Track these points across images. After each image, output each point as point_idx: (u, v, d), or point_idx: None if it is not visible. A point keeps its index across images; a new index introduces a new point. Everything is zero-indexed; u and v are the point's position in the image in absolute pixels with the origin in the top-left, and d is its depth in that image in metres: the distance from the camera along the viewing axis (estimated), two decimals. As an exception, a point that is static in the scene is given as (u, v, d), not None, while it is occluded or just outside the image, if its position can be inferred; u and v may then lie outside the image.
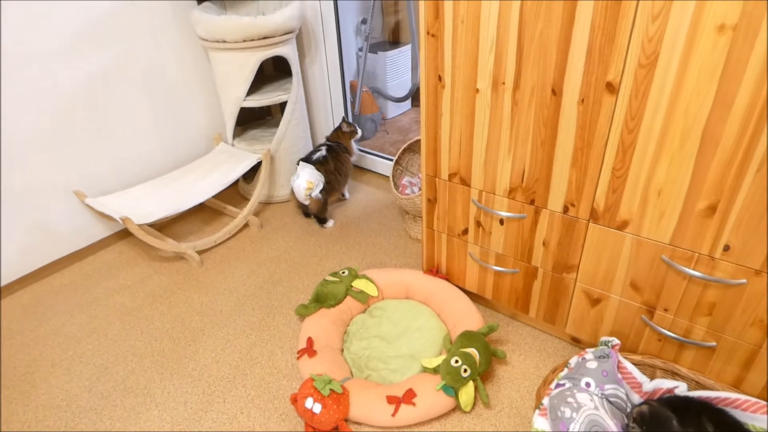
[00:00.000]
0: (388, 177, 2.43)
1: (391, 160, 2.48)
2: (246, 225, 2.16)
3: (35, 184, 1.81)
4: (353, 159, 2.29)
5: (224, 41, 1.92)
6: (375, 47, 3.00)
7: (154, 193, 1.99)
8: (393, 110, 3.20)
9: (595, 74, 1.05)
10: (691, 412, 1.12)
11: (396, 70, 3.08)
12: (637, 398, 1.25)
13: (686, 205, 1.06)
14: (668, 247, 1.13)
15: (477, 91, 1.25)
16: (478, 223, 1.46)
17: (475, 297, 1.69)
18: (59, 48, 1.75)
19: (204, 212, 2.30)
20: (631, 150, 1.08)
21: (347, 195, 2.40)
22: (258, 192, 2.13)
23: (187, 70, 2.15)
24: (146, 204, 1.90)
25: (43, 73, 1.74)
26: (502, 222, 1.40)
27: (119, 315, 1.71)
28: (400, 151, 2.01)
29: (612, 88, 1.04)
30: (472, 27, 1.18)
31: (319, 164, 2.07)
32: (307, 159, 2.09)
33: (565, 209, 1.25)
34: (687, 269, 1.11)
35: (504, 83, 1.20)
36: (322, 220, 2.16)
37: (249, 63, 1.98)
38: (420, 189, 2.05)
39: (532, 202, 1.31)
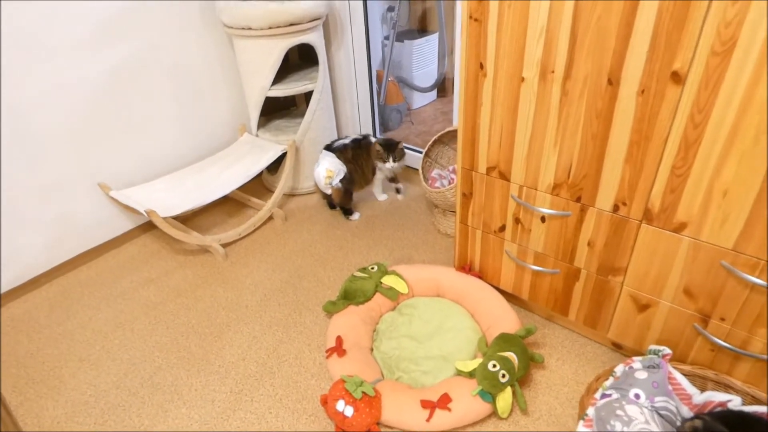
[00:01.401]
0: (415, 169, 2.36)
1: (419, 152, 2.41)
2: (270, 217, 2.12)
3: (61, 177, 1.78)
4: (383, 176, 2.16)
5: (250, 28, 1.86)
6: (401, 35, 2.90)
7: (178, 185, 1.95)
8: (418, 100, 3.11)
9: (659, 62, 0.96)
10: (747, 428, 1.04)
11: (422, 59, 2.99)
12: (686, 411, 1.17)
13: (755, 208, 0.97)
14: (730, 252, 1.04)
15: (522, 80, 1.17)
16: (517, 220, 1.39)
17: (508, 296, 1.62)
18: (82, 41, 1.71)
19: (228, 204, 2.27)
20: (695, 146, 0.99)
21: (399, 197, 2.26)
22: (283, 184, 2.08)
23: (210, 60, 2.10)
24: (171, 196, 1.87)
25: (67, 67, 1.70)
26: (543, 219, 1.32)
27: (145, 309, 1.69)
28: (429, 142, 1.94)
29: (678, 78, 0.95)
30: (520, 11, 1.09)
31: (339, 152, 2.00)
32: (329, 146, 2.03)
33: (615, 208, 1.17)
34: (751, 277, 1.03)
35: (553, 72, 1.11)
36: (346, 211, 2.11)
37: (275, 51, 1.92)
38: (450, 182, 1.98)
39: (578, 200, 1.23)
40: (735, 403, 1.11)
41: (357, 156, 2.04)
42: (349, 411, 1.21)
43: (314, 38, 1.99)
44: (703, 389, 1.19)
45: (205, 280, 1.81)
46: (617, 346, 1.44)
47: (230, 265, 1.88)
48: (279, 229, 2.08)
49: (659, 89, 0.99)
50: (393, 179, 2.23)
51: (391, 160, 2.00)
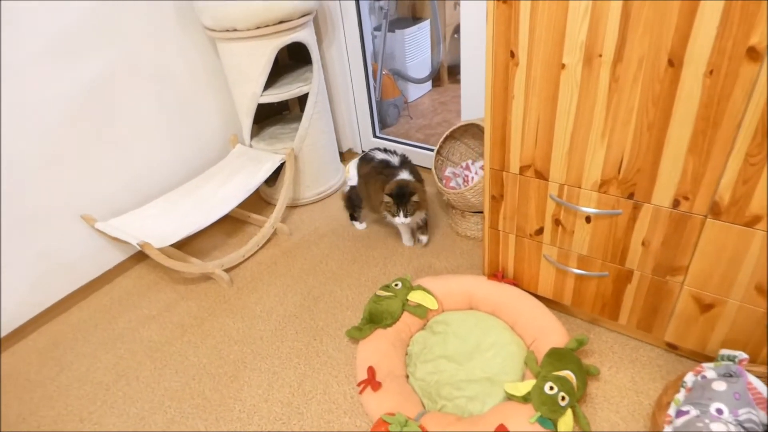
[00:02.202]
0: (427, 168, 2.18)
1: (424, 148, 2.26)
2: (274, 233, 1.96)
3: (38, 210, 1.60)
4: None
5: (235, 29, 1.68)
6: (391, 25, 2.74)
7: (171, 208, 1.78)
8: (414, 92, 2.96)
9: (732, 38, 0.83)
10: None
11: (415, 48, 2.83)
12: (763, 416, 1.07)
13: None
14: (816, 244, 0.93)
15: (563, 67, 1.03)
16: (557, 222, 1.26)
17: (546, 302, 1.49)
18: (45, 54, 1.52)
19: (226, 223, 2.10)
20: (775, 130, 0.87)
21: (423, 239, 1.81)
22: (284, 196, 1.92)
23: (193, 67, 1.92)
24: (165, 222, 1.70)
25: (32, 84, 1.51)
26: (588, 220, 1.20)
27: (148, 352, 1.53)
28: (441, 139, 1.79)
29: (755, 55, 0.82)
30: (560, -11, 0.95)
31: (362, 161, 1.78)
32: (370, 150, 1.79)
33: (675, 203, 1.05)
34: (842, 269, 0.92)
35: (601, 56, 0.97)
36: (350, 216, 1.97)
37: (265, 52, 1.75)
38: (465, 180, 1.84)
39: (630, 196, 1.10)
40: (822, 406, 1.01)
41: (369, 178, 1.72)
42: (396, 455, 1.07)
43: (306, 36, 1.82)
44: (782, 393, 1.08)
45: (212, 312, 1.65)
46: (672, 347, 1.33)
47: (236, 292, 1.72)
48: (285, 245, 1.92)
49: (732, 68, 0.86)
50: (419, 228, 1.81)
51: (401, 215, 1.58)
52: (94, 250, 1.77)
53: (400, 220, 1.59)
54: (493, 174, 1.31)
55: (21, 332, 1.62)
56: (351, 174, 1.79)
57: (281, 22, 1.70)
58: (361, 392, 1.26)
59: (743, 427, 1.00)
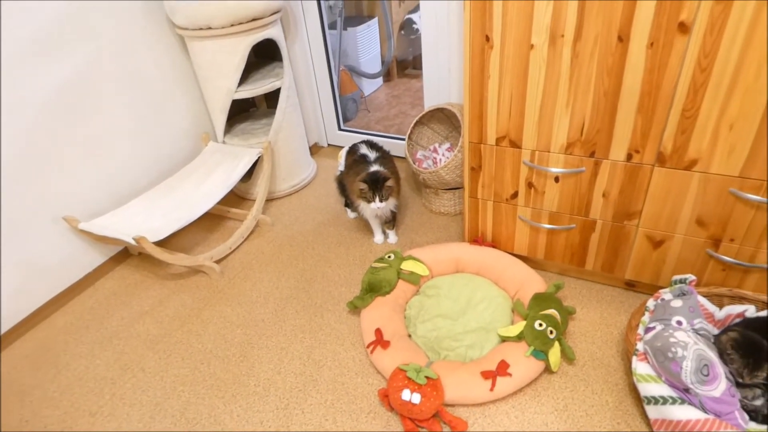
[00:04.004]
0: (400, 157, 2.31)
1: (394, 138, 2.40)
2: (256, 225, 2.01)
3: (12, 215, 1.55)
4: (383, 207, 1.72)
5: (209, 28, 1.73)
6: (343, 23, 2.86)
7: (153, 206, 1.78)
8: (367, 88, 3.10)
9: (666, 15, 1.04)
10: None
11: (366, 45, 2.97)
12: (711, 328, 1.30)
13: (758, 135, 1.09)
14: (737, 179, 1.17)
15: (532, 47, 1.21)
16: (530, 185, 1.44)
17: (522, 259, 1.67)
18: (12, 56, 1.49)
19: (205, 220, 2.11)
20: (703, 88, 1.09)
21: (390, 234, 1.89)
22: (264, 188, 1.98)
23: (162, 66, 1.92)
24: (150, 219, 1.70)
25: (10, 86, 1.48)
26: (557, 180, 1.39)
27: (149, 345, 1.54)
28: (411, 125, 1.94)
29: (685, 28, 1.04)
30: (529, -21, 1.13)
31: (349, 151, 1.87)
32: (361, 142, 1.87)
33: (629, 157, 1.26)
34: (757, 197, 1.16)
35: (563, 36, 1.16)
36: (344, 203, 2.06)
37: (239, 49, 1.81)
38: (434, 162, 2.00)
39: (592, 155, 1.30)
40: (750, 311, 1.26)
41: (349, 170, 1.80)
42: (416, 398, 1.19)
43: (276, 32, 1.90)
44: (720, 306, 1.33)
45: (207, 302, 1.68)
46: (630, 285, 1.56)
47: (228, 282, 1.76)
48: (268, 236, 1.98)
49: (668, 40, 1.07)
50: (387, 222, 1.87)
51: (377, 199, 1.65)
52: (73, 254, 1.73)
53: (375, 205, 1.65)
54: (472, 147, 1.47)
55: (5, 340, 1.56)
56: (341, 161, 1.89)
57: (254, 19, 1.77)
58: (371, 352, 1.37)
59: (698, 334, 1.22)
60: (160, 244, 1.92)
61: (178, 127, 2.05)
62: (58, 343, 1.57)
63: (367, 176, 1.65)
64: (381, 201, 1.66)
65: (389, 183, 1.65)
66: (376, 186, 1.64)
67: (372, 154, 1.78)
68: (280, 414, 1.30)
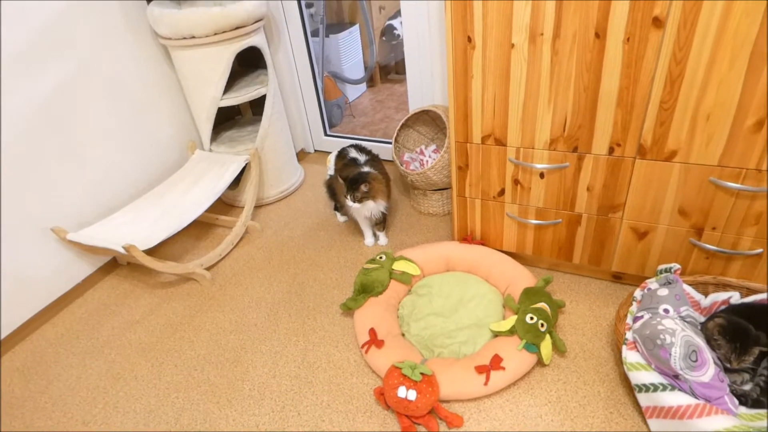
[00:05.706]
0: (388, 161, 2.33)
1: (381, 142, 2.42)
2: (246, 232, 2.01)
3: (1, 226, 1.53)
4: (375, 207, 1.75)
5: (193, 36, 1.74)
6: (326, 30, 2.89)
7: (140, 216, 1.77)
8: (352, 93, 3.12)
9: (641, 11, 1.08)
10: (753, 314, 1.21)
11: (349, 51, 3.00)
12: (697, 315, 1.33)
13: (735, 124, 1.13)
14: (716, 168, 1.20)
15: (512, 46, 1.24)
16: (516, 182, 1.47)
17: (511, 255, 1.69)
18: (5, 67, 1.49)
19: (194, 228, 2.10)
20: (679, 81, 1.13)
21: (381, 239, 1.90)
22: (253, 194, 1.98)
23: (145, 76, 1.92)
24: (139, 228, 1.69)
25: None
26: (542, 175, 1.42)
27: (141, 353, 1.52)
28: (397, 128, 1.96)
29: (659, 23, 1.08)
30: (508, -20, 1.16)
31: (338, 155, 1.88)
32: (350, 146, 1.88)
33: (611, 150, 1.29)
34: (736, 185, 1.20)
35: (542, 34, 1.19)
36: (333, 206, 2.06)
37: (223, 58, 1.82)
38: (421, 163, 2.02)
39: (574, 150, 1.33)
40: (735, 297, 1.29)
41: (340, 172, 1.78)
42: (412, 395, 1.20)
43: (259, 40, 1.92)
44: (705, 293, 1.36)
45: (199, 309, 1.67)
46: (616, 277, 1.59)
47: (220, 288, 1.75)
48: (258, 242, 1.98)
49: (643, 35, 1.11)
50: (377, 224, 1.88)
51: (349, 198, 1.66)
52: (62, 265, 1.71)
53: (348, 202, 1.67)
54: (458, 146, 1.49)
55: (-7, 355, 1.54)
56: (330, 164, 1.90)
57: (238, 27, 1.78)
58: (366, 352, 1.38)
59: (686, 321, 1.25)
60: (150, 253, 1.91)
61: (164, 137, 2.05)
62: (48, 355, 1.55)
63: (349, 175, 1.67)
64: (354, 201, 1.66)
65: (364, 188, 1.65)
66: (352, 185, 1.65)
67: (362, 158, 1.80)
68: (276, 417, 1.29)
